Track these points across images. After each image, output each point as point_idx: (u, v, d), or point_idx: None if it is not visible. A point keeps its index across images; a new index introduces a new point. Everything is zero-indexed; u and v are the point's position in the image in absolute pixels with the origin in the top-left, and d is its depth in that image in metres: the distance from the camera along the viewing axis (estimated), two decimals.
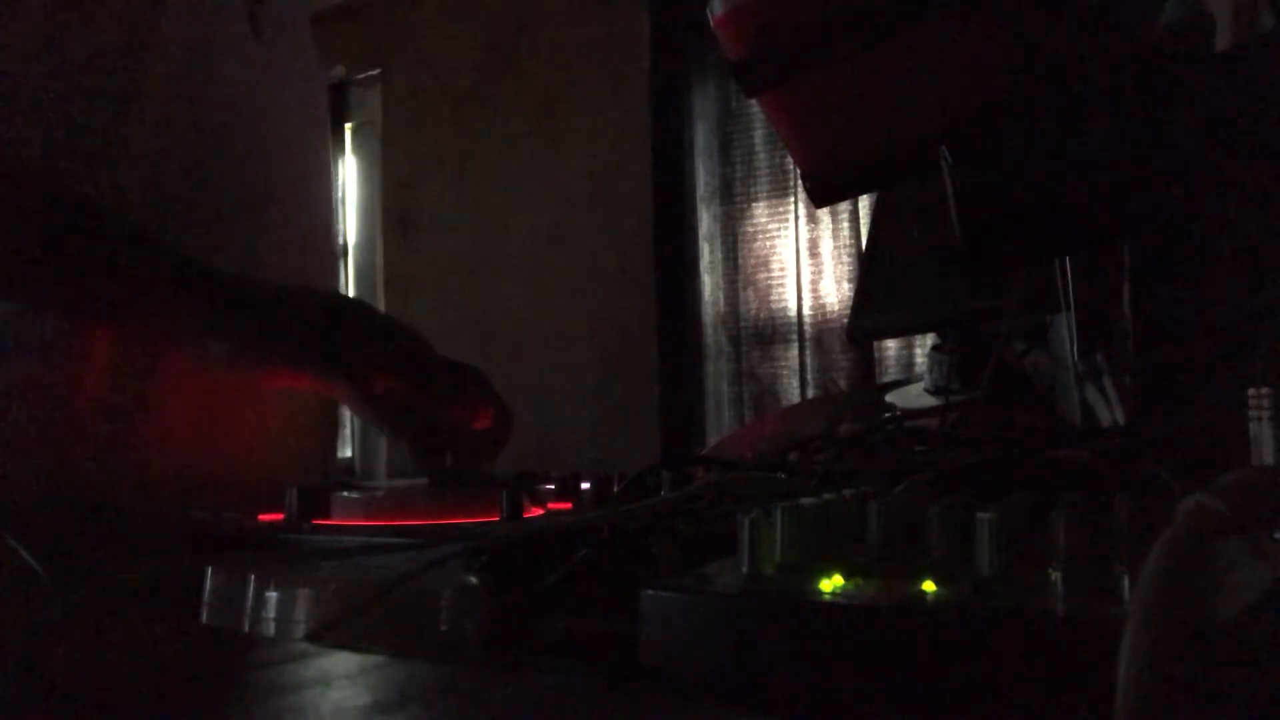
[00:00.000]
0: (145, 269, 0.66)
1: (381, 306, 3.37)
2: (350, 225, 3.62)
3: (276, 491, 0.53)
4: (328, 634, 0.35)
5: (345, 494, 0.53)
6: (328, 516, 0.52)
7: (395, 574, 0.38)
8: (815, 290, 2.83)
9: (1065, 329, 0.75)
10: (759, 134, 2.92)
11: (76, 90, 0.67)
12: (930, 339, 1.32)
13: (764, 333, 2.90)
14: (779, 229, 2.89)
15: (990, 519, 0.30)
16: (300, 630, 0.38)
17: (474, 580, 0.37)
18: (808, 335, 2.83)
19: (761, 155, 2.92)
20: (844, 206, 2.74)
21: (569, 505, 0.61)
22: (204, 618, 0.42)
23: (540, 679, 0.33)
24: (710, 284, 2.98)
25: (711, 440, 2.86)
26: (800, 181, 1.47)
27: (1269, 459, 0.34)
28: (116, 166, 0.69)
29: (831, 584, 0.30)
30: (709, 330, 2.99)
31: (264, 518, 0.54)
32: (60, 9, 0.67)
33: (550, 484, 0.64)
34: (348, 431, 3.30)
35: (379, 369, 0.66)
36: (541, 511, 0.56)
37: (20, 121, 0.66)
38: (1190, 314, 0.56)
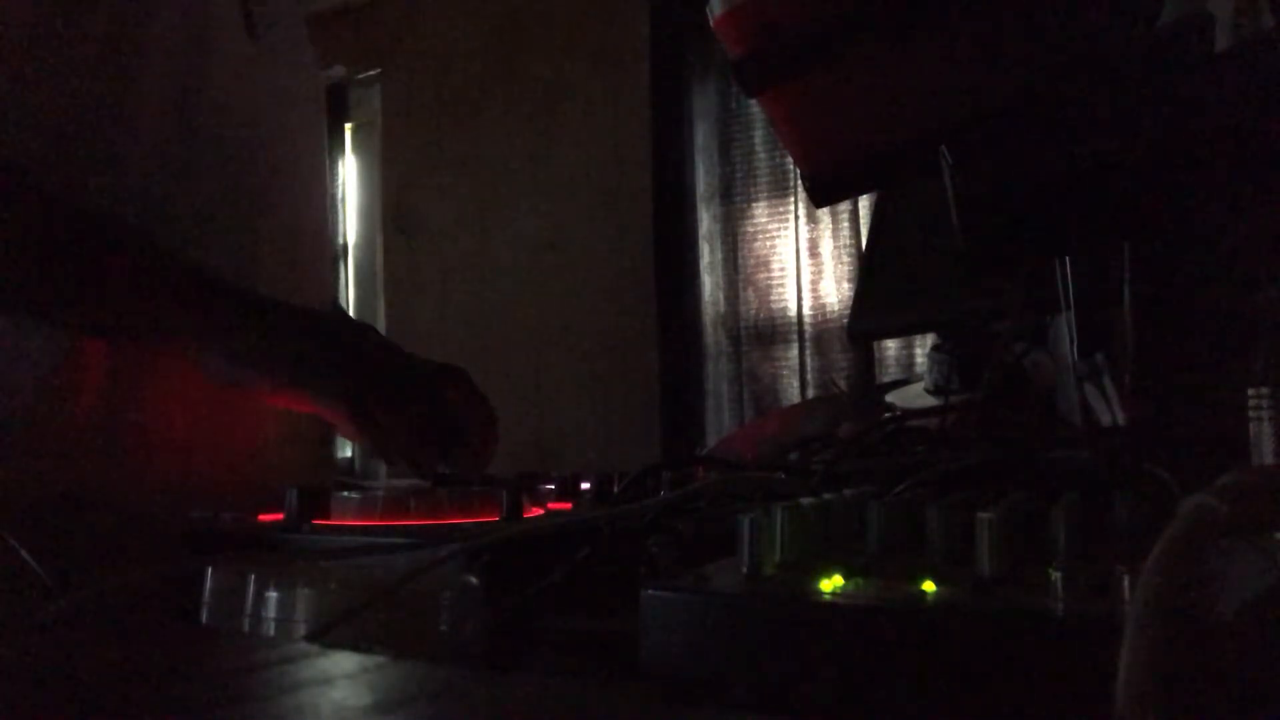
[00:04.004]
0: (149, 279, 0.66)
1: (381, 307, 3.37)
2: (350, 225, 3.62)
3: (276, 491, 0.53)
4: (328, 634, 0.36)
5: (345, 494, 0.53)
6: (328, 516, 0.52)
7: (395, 574, 0.38)
8: (815, 290, 2.83)
9: (1065, 329, 0.75)
10: (759, 134, 2.92)
11: (66, 92, 0.67)
12: (930, 339, 1.32)
13: (764, 333, 2.90)
14: (779, 229, 2.89)
15: (990, 519, 0.30)
16: (300, 630, 0.38)
17: (474, 580, 0.37)
18: (808, 335, 2.84)
19: (761, 155, 2.92)
20: (844, 206, 2.74)
21: (569, 505, 0.61)
22: (204, 618, 0.42)
23: (540, 679, 0.33)
24: (710, 284, 2.98)
25: (711, 440, 2.86)
26: (800, 181, 1.47)
27: (1269, 459, 0.34)
28: (107, 168, 0.69)
29: (831, 584, 0.30)
30: (709, 330, 2.99)
31: (264, 518, 0.54)
32: (48, 9, 0.66)
33: (550, 484, 0.64)
34: None
35: (372, 394, 0.67)
36: (541, 511, 0.56)
37: (9, 126, 0.65)
38: (1190, 314, 0.56)
